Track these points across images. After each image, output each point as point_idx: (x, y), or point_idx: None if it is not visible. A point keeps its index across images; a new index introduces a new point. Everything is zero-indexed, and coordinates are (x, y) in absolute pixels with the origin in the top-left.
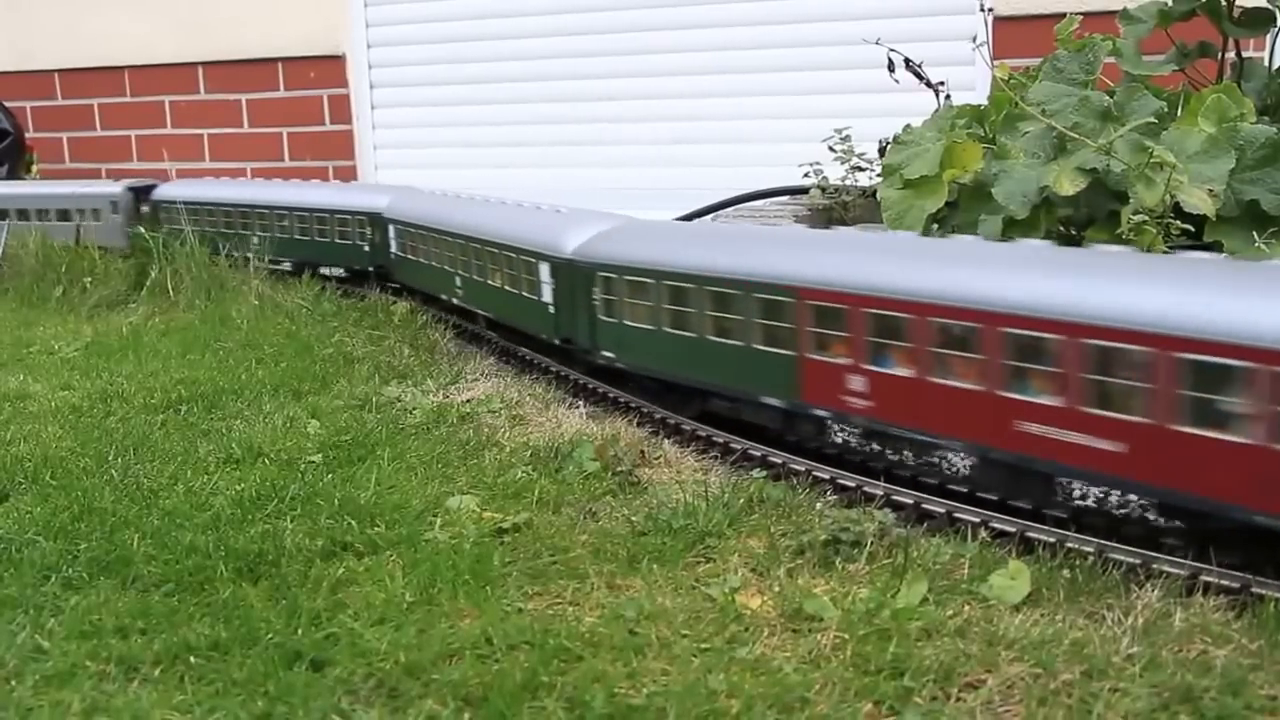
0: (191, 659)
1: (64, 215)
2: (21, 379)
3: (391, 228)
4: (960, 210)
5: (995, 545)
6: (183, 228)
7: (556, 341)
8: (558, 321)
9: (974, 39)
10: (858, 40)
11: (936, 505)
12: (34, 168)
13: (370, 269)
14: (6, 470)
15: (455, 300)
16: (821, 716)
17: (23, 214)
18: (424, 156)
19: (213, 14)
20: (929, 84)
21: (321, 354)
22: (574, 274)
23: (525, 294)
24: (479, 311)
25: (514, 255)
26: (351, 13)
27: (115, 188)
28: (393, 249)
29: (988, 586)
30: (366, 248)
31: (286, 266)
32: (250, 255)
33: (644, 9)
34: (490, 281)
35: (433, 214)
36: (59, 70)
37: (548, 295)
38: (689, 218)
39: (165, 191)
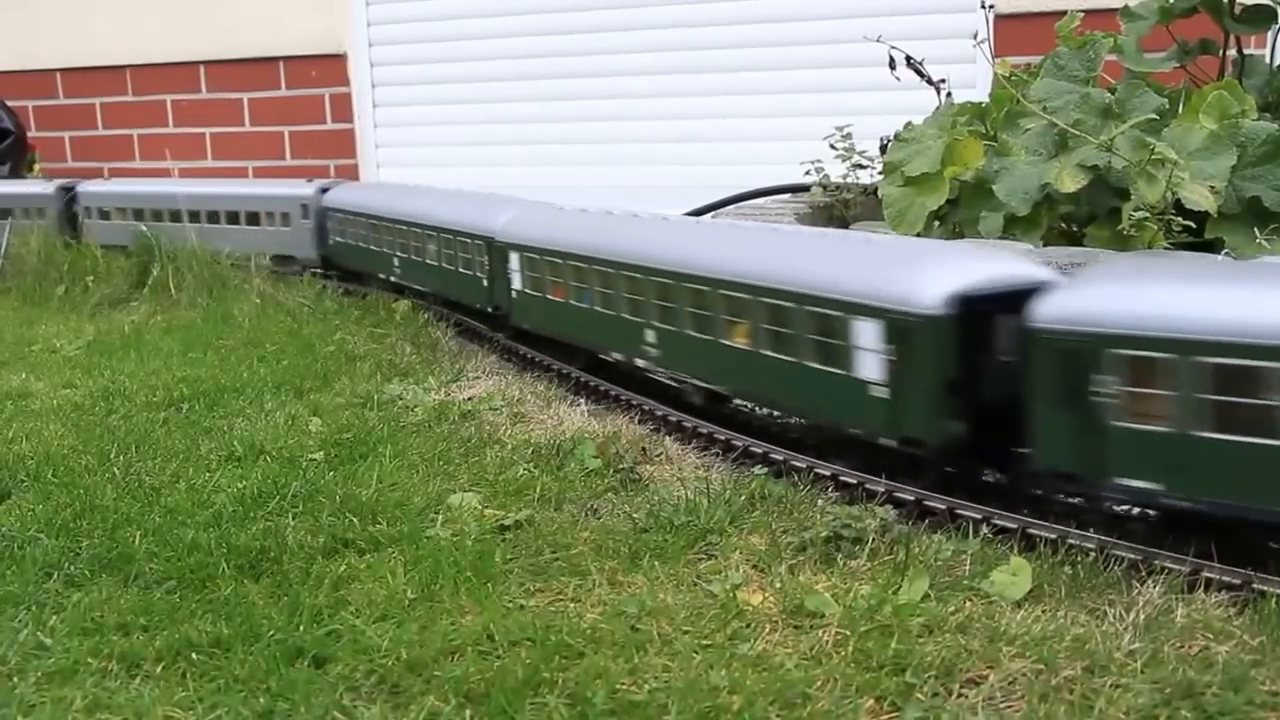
0: (193, 656)
1: (235, 218)
2: (24, 377)
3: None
4: (961, 207)
5: (997, 542)
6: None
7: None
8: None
9: (975, 35)
10: (859, 38)
11: (938, 502)
12: (36, 167)
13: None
14: (9, 468)
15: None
16: (823, 713)
17: (176, 215)
18: (425, 155)
19: (214, 13)
20: (930, 81)
21: (323, 352)
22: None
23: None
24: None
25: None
26: (353, 12)
27: (306, 188)
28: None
29: (989, 583)
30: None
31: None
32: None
33: (646, 7)
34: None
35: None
36: (61, 69)
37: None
38: (694, 214)
39: (336, 197)
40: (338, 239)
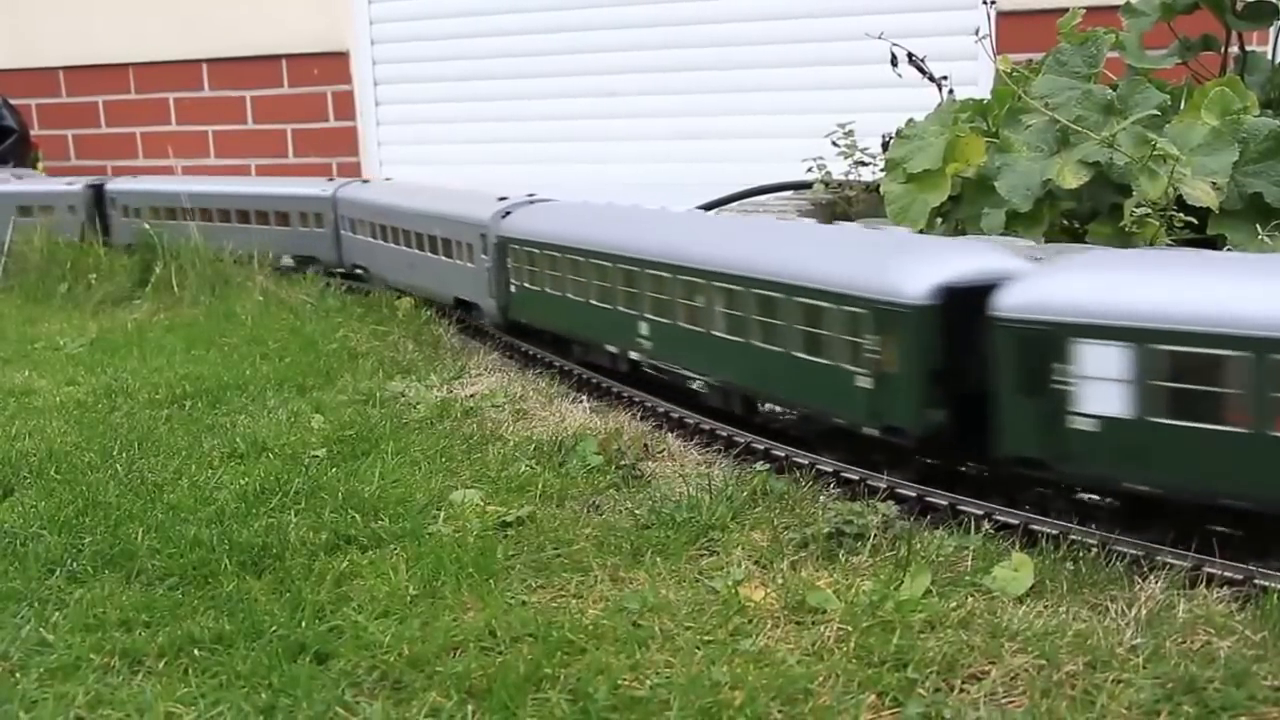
0: (195, 652)
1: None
2: (27, 374)
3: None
4: (963, 204)
5: (999, 537)
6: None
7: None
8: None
9: (976, 32)
10: (861, 35)
11: (940, 498)
12: (39, 165)
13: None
14: (12, 465)
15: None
16: (825, 708)
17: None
18: (427, 153)
19: (217, 11)
20: (932, 79)
21: (326, 349)
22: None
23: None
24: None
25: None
26: (355, 9)
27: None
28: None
29: (991, 578)
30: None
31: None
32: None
33: (648, 5)
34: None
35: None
36: (64, 67)
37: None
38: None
39: (518, 224)
40: (526, 285)
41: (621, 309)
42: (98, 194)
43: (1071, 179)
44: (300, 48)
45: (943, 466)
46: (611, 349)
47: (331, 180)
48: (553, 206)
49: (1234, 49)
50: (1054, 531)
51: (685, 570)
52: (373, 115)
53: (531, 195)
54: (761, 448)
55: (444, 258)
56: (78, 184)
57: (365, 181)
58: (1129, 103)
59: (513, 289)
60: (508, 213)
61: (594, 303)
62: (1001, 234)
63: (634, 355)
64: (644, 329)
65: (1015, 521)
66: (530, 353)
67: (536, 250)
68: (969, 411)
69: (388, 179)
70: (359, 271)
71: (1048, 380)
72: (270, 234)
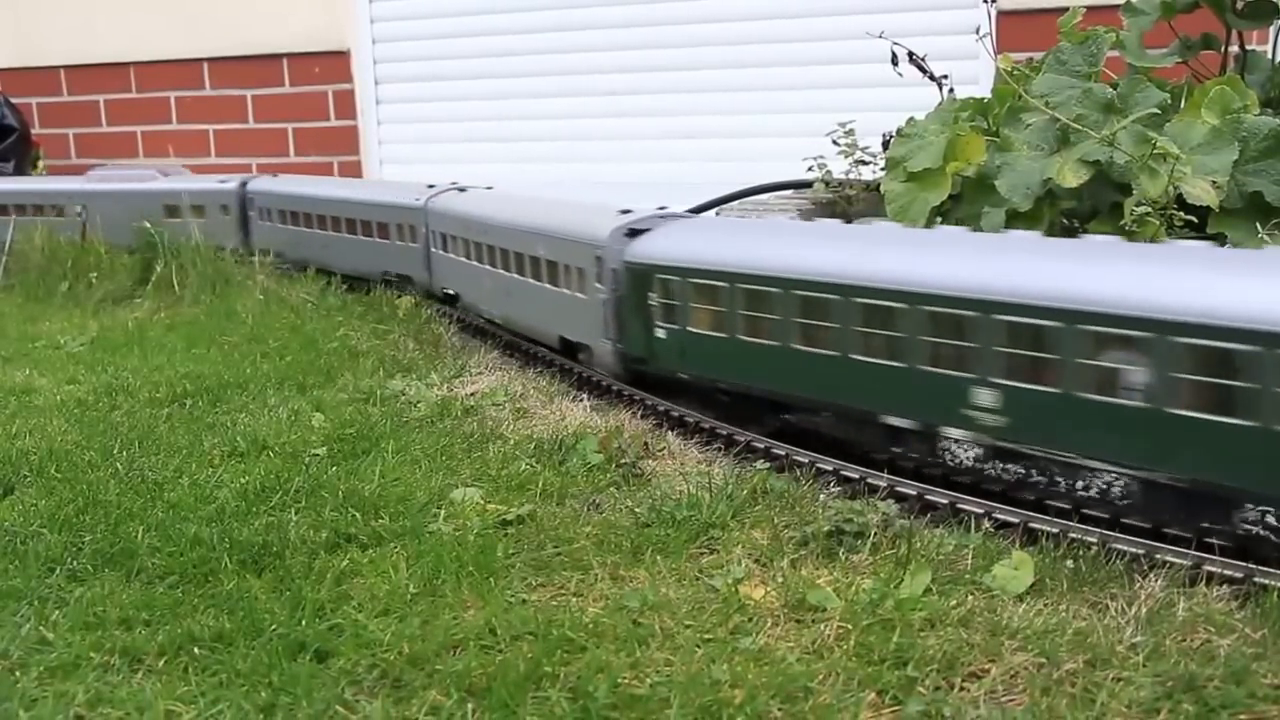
0: (195, 650)
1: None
2: (27, 373)
3: None
4: (964, 203)
5: (999, 536)
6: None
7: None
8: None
9: (977, 30)
10: (861, 34)
11: (940, 496)
12: (40, 164)
13: None
14: (12, 463)
15: None
16: (825, 706)
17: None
18: (428, 152)
19: (218, 10)
20: (932, 78)
21: (326, 348)
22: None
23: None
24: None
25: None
26: (356, 8)
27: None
28: None
29: (991, 577)
30: None
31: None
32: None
33: (648, 4)
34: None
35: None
36: (65, 66)
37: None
38: (696, 211)
39: (663, 247)
40: (688, 328)
41: (927, 367)
42: (243, 193)
43: (1072, 178)
44: (301, 47)
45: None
46: (901, 420)
47: (431, 186)
48: (704, 223)
49: (1234, 48)
50: (1054, 530)
51: (685, 568)
52: (373, 114)
53: (663, 208)
54: (762, 446)
55: (547, 285)
56: (231, 181)
57: (461, 189)
58: (1129, 101)
59: (660, 332)
60: (636, 230)
61: (867, 358)
62: (1000, 231)
63: (955, 433)
64: (987, 398)
65: (1015, 520)
66: (530, 352)
67: (722, 283)
68: None
69: (489, 187)
70: (449, 295)
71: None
72: (366, 248)
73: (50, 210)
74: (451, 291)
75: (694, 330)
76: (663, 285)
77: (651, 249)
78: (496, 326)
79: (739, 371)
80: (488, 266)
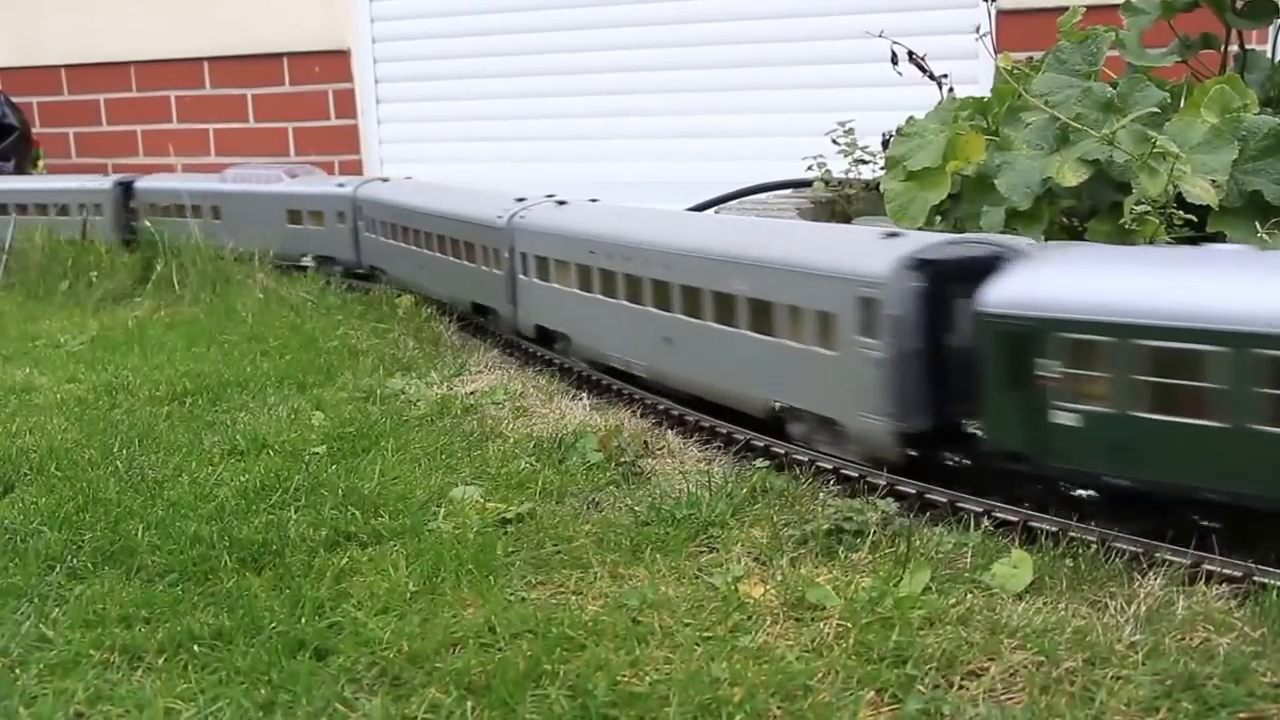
0: (195, 648)
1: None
2: (28, 372)
3: None
4: (963, 202)
5: (998, 534)
6: None
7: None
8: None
9: (977, 29)
10: (861, 34)
11: (939, 495)
12: (40, 163)
13: None
14: (12, 461)
15: None
16: (824, 704)
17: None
18: (429, 151)
19: (217, 9)
20: (932, 77)
21: (326, 347)
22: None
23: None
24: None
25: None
26: (356, 8)
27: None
28: None
29: (990, 575)
30: None
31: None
32: None
33: (648, 4)
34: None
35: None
36: (65, 65)
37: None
38: (696, 210)
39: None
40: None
41: None
42: (355, 200)
43: (1071, 177)
44: (301, 46)
45: None
46: None
47: (521, 200)
48: (1098, 254)
49: (1234, 47)
50: (1053, 529)
51: (685, 567)
52: (373, 113)
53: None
54: (761, 445)
55: (761, 336)
56: (349, 185)
57: (560, 202)
58: (1129, 100)
59: (1064, 417)
60: (938, 262)
61: None
62: (1001, 232)
63: None
64: None
65: (1014, 519)
66: (530, 350)
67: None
68: None
69: (593, 199)
70: (546, 333)
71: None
72: (452, 272)
73: (189, 211)
74: (553, 329)
75: (1146, 416)
76: (1075, 349)
77: (1039, 293)
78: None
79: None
80: (626, 303)
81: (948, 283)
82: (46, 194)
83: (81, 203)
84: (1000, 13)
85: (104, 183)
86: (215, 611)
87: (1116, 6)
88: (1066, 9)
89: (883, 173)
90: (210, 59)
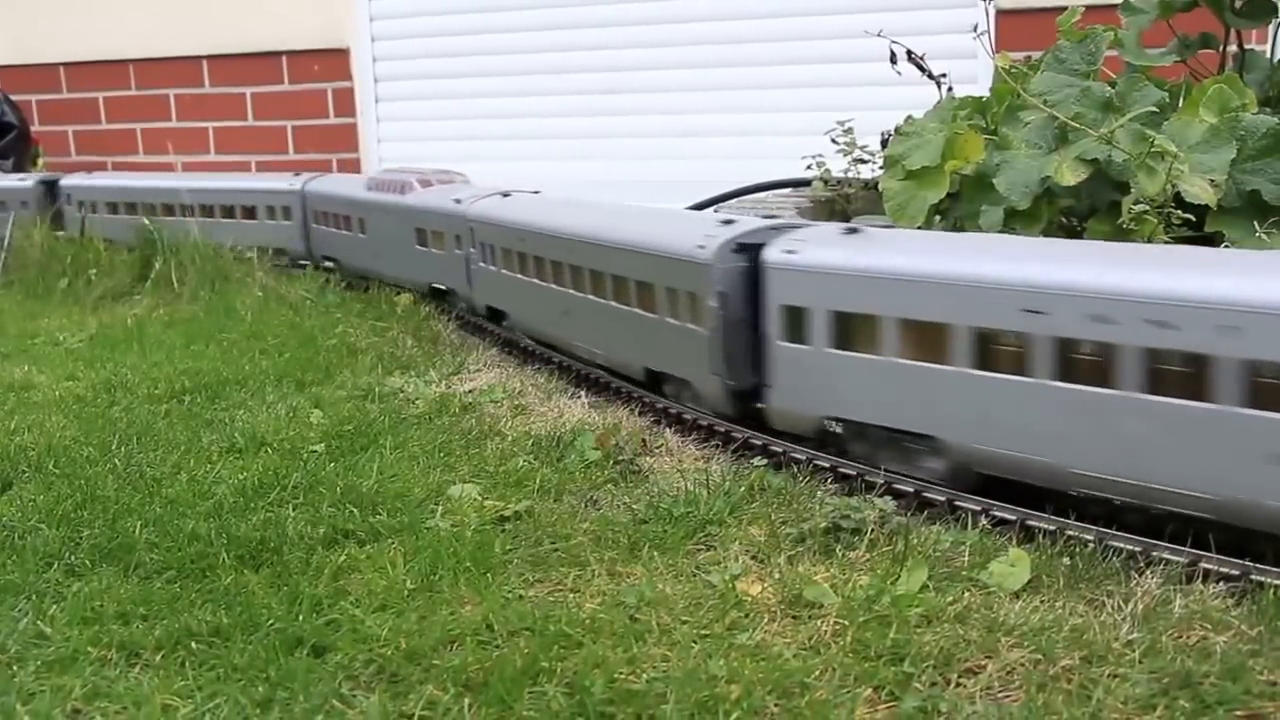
0: (193, 645)
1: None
2: (26, 369)
3: None
4: (962, 201)
5: (995, 533)
6: None
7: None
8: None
9: (975, 27)
10: (860, 33)
11: (937, 493)
12: (39, 161)
13: None
14: (10, 459)
15: None
16: (821, 702)
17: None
18: (427, 150)
19: (217, 7)
20: (931, 76)
21: (325, 345)
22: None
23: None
24: None
25: None
26: (355, 6)
27: None
28: None
29: (988, 574)
30: None
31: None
32: None
33: (648, 2)
34: None
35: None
36: (64, 64)
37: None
38: (696, 209)
39: None
40: None
41: None
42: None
43: (1070, 176)
44: (300, 44)
45: None
46: None
47: (728, 222)
48: None
49: (1233, 47)
50: (1051, 527)
51: (682, 565)
52: (373, 112)
53: None
54: (759, 443)
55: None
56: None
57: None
58: (1127, 100)
59: None
60: None
61: None
62: (1000, 231)
63: None
64: None
65: (1012, 517)
66: (528, 348)
67: None
68: None
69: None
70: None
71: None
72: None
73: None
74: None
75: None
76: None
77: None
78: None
79: None
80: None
81: None
82: None
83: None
84: (999, 12)
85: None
86: (213, 609)
87: (1115, 6)
88: (1065, 8)
89: (882, 172)
90: (209, 57)
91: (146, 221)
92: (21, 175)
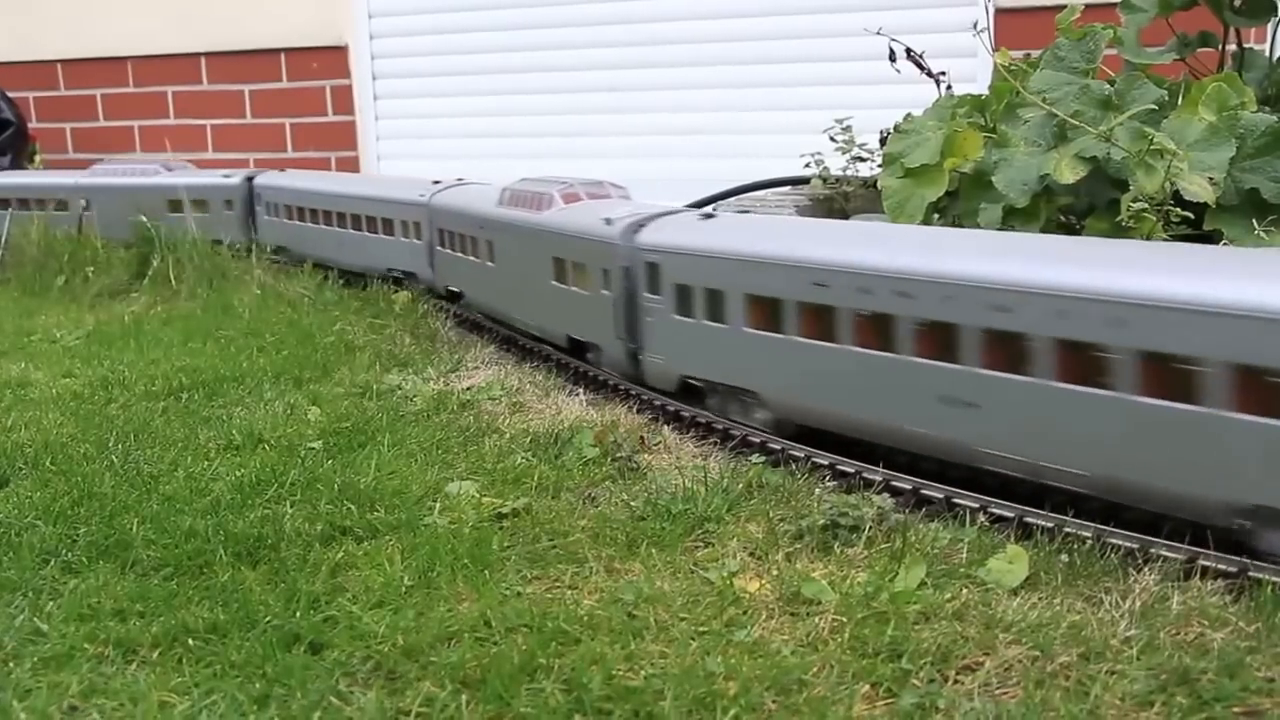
0: (190, 641)
1: None
2: (23, 366)
3: None
4: (961, 199)
5: (993, 530)
6: None
7: None
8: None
9: (975, 25)
10: (859, 31)
11: (935, 490)
12: (37, 158)
13: None
14: (7, 456)
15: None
16: (819, 698)
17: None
18: (427, 147)
19: (215, 5)
20: (930, 74)
21: (323, 342)
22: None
23: None
24: None
25: None
26: (354, 3)
27: None
28: None
29: (986, 570)
30: None
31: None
32: None
33: (647, 1)
34: None
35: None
36: (62, 60)
37: None
38: (695, 207)
39: None
40: None
41: None
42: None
43: (1069, 174)
44: (299, 42)
45: None
46: None
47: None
48: None
49: (1232, 45)
50: (1049, 524)
51: (680, 561)
52: (371, 110)
53: None
54: (757, 440)
55: None
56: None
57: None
58: (1127, 98)
59: None
60: None
61: None
62: (998, 229)
63: None
64: None
65: (1010, 514)
66: (526, 346)
67: None
68: None
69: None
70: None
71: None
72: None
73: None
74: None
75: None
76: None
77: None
78: None
79: None
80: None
81: None
82: None
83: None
84: (998, 10)
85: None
86: (210, 605)
87: (1114, 4)
88: (1064, 6)
89: (880, 170)
90: (207, 54)
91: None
92: (227, 172)
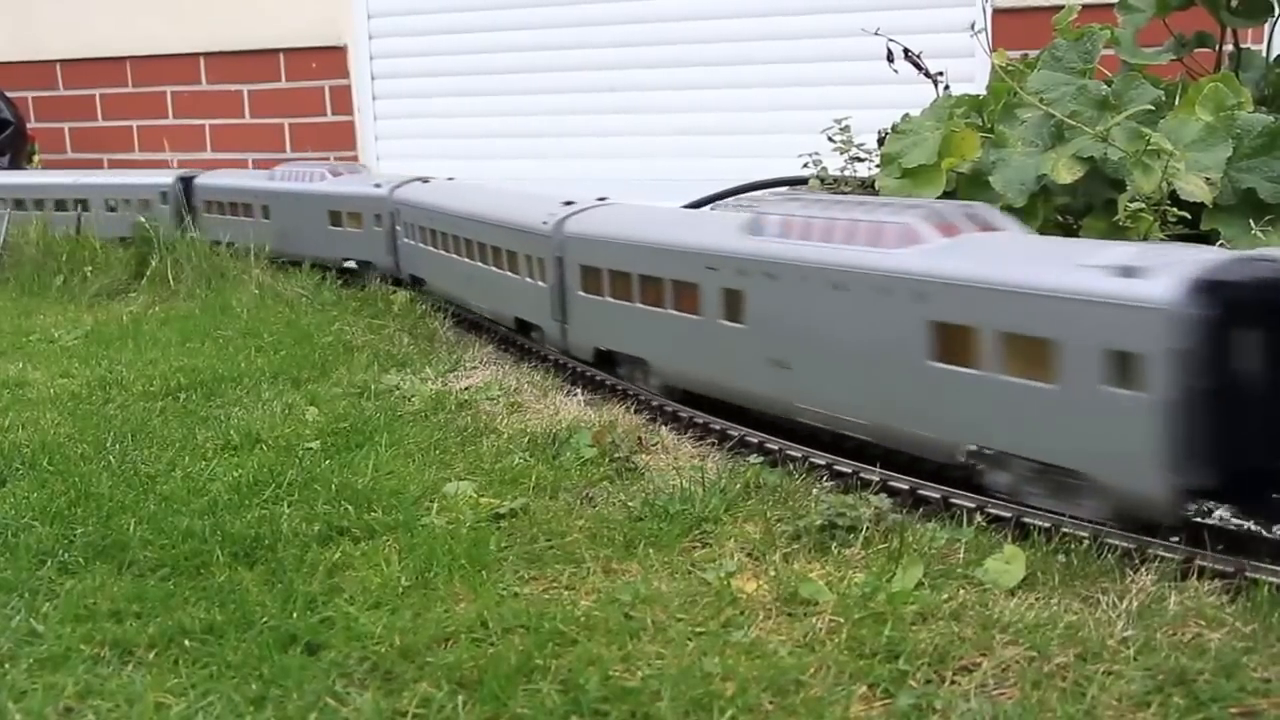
0: (186, 642)
1: None
2: (21, 366)
3: None
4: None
5: (991, 530)
6: None
7: None
8: None
9: (972, 25)
10: (857, 31)
11: (932, 491)
12: (36, 158)
13: None
14: (4, 456)
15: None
16: (816, 699)
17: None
18: (426, 147)
19: (214, 5)
20: (928, 75)
21: (321, 342)
22: None
23: None
24: None
25: None
26: (353, 3)
27: None
28: None
29: (983, 571)
30: None
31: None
32: None
33: (647, 0)
34: None
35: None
36: (61, 60)
37: None
38: (692, 208)
39: None
40: None
41: None
42: None
43: (1066, 174)
44: (298, 42)
45: None
46: None
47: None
48: None
49: (1229, 46)
50: (1046, 524)
51: (678, 562)
52: (370, 110)
53: None
54: (755, 441)
55: None
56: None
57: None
58: (1124, 98)
59: None
60: None
61: None
62: None
63: None
64: None
65: (1008, 514)
66: (524, 345)
67: None
68: None
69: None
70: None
71: None
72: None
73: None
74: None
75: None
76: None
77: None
78: None
79: None
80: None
81: None
82: None
83: None
84: (996, 10)
85: None
86: (207, 606)
87: (1112, 5)
88: (1062, 7)
89: (878, 170)
90: (206, 54)
91: None
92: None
